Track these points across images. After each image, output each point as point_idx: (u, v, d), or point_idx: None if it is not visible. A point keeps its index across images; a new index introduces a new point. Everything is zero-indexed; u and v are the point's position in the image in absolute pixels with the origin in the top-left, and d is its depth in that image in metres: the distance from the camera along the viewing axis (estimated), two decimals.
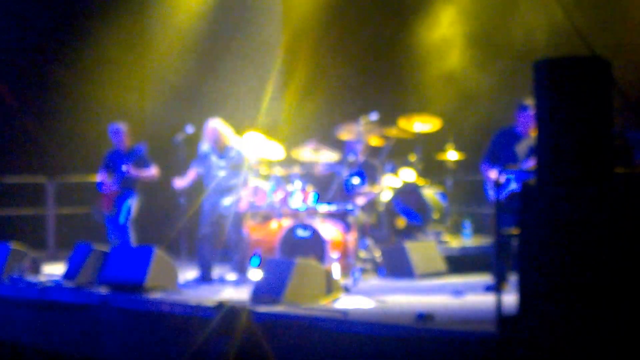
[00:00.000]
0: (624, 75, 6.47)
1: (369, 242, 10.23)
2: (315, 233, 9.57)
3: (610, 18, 10.41)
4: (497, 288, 6.35)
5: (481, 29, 11.57)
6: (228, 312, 6.88)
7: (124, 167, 10.26)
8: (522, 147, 8.58)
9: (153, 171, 10.36)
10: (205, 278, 9.59)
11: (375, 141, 11.19)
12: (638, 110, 7.98)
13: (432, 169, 11.63)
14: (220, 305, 7.29)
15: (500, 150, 8.65)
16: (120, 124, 10.59)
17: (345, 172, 10.32)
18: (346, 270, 9.51)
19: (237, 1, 13.61)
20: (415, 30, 11.87)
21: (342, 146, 10.80)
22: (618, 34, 10.23)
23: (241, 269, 9.68)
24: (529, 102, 8.38)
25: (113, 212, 10.41)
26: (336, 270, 9.19)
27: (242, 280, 9.56)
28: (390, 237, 10.67)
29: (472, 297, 8.25)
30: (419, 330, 6.53)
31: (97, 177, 10.60)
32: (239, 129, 10.57)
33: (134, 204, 10.39)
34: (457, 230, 11.37)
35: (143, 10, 13.65)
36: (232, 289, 9.03)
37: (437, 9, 11.99)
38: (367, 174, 10.43)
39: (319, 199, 10.08)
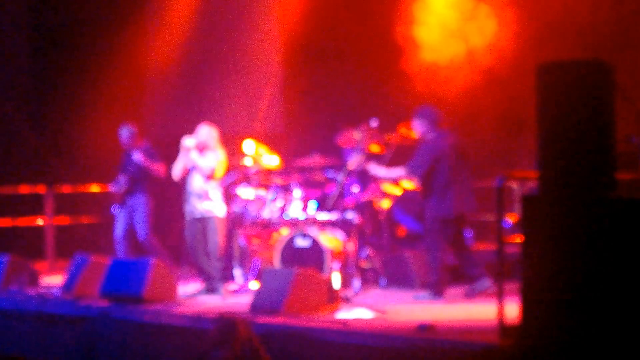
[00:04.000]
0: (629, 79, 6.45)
1: (369, 251, 10.17)
2: (314, 242, 9.52)
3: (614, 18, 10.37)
4: (499, 297, 6.31)
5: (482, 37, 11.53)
6: (227, 323, 6.82)
7: (135, 155, 10.20)
8: None
9: (160, 167, 10.28)
10: (206, 289, 9.49)
11: (375, 148, 11.14)
12: None
13: None
14: (219, 317, 7.23)
15: None
16: (130, 125, 10.54)
17: (344, 180, 10.27)
18: (346, 280, 9.46)
19: (235, 9, 13.60)
20: (417, 38, 11.82)
21: (341, 153, 10.75)
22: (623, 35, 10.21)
23: (225, 277, 9.58)
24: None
25: (122, 207, 10.35)
26: (336, 279, 9.16)
27: (242, 290, 9.52)
28: (391, 246, 10.60)
29: (474, 306, 8.22)
30: (420, 340, 6.51)
31: (115, 181, 10.56)
32: (238, 137, 10.54)
33: (148, 208, 10.30)
34: None
35: (139, 19, 13.63)
36: (232, 300, 8.99)
37: (439, 17, 11.93)
38: (365, 181, 10.40)
39: (319, 207, 10.04)
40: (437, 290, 8.77)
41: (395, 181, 10.07)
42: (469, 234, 11.12)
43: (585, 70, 5.92)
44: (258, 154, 10.43)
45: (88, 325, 8.42)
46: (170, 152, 10.31)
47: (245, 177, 10.43)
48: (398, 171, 9.18)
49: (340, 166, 10.55)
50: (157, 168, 10.29)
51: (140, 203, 10.28)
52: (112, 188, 10.49)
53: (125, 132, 10.53)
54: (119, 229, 10.46)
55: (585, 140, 5.77)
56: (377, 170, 9.42)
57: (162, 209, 11.07)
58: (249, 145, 10.44)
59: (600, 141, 5.81)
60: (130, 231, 10.44)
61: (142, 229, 10.27)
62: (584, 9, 10.09)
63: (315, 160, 10.45)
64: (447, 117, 10.58)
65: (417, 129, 9.20)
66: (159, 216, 10.96)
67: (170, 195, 10.88)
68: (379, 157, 11.10)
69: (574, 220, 5.69)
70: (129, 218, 10.40)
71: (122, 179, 10.42)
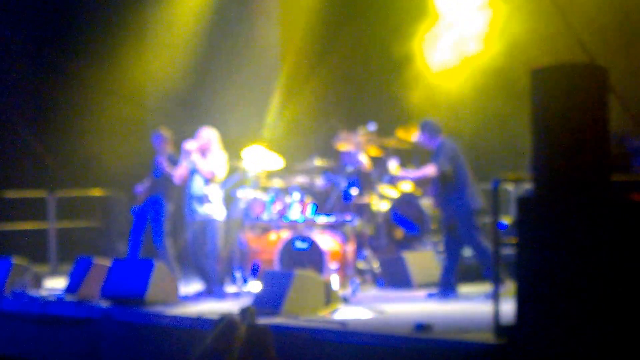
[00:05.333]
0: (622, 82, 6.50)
1: (368, 252, 10.26)
2: (313, 244, 9.60)
3: (610, 23, 10.43)
4: (495, 297, 6.38)
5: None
6: (228, 324, 6.90)
7: (160, 160, 10.23)
8: None
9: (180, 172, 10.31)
10: (207, 291, 9.57)
11: (373, 152, 11.23)
12: (636, 117, 8.01)
13: (429, 179, 11.62)
14: (220, 318, 7.31)
15: None
16: (162, 131, 10.58)
17: (343, 183, 10.35)
18: (345, 281, 9.54)
19: (238, 15, 13.66)
20: (415, 43, 11.90)
21: (340, 157, 10.82)
22: (618, 40, 10.26)
23: (222, 281, 9.63)
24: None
25: (142, 207, 10.40)
26: (335, 281, 9.22)
27: (241, 292, 9.61)
28: (389, 248, 10.68)
29: (470, 306, 8.30)
30: (417, 340, 6.57)
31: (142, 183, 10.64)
32: (239, 141, 10.60)
33: (165, 213, 10.35)
34: None
35: (142, 24, 13.68)
36: (232, 302, 9.06)
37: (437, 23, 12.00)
38: (363, 184, 10.49)
39: (318, 210, 10.11)
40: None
41: (423, 179, 10.06)
42: None
43: (579, 73, 5.97)
44: (259, 157, 10.48)
45: (91, 327, 8.49)
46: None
47: (246, 180, 10.49)
48: (428, 169, 9.21)
49: (339, 169, 10.64)
50: (176, 173, 10.31)
51: (159, 207, 10.33)
52: (136, 190, 10.54)
53: (155, 137, 10.57)
54: (136, 229, 10.50)
55: (579, 143, 5.81)
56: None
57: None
58: (251, 150, 10.48)
59: (594, 143, 5.84)
60: (146, 232, 10.49)
61: (157, 233, 10.31)
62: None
63: (314, 163, 10.55)
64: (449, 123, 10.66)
65: (421, 140, 9.41)
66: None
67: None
68: (377, 161, 11.20)
69: (568, 221, 5.72)
70: (147, 219, 10.45)
71: (147, 182, 10.49)
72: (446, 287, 9.03)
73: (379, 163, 11.11)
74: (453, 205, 9.09)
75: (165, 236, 10.22)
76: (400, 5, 11.97)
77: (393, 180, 11.23)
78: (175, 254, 10.27)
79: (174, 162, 10.29)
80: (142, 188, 10.45)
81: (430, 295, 9.09)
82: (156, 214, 10.28)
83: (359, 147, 10.52)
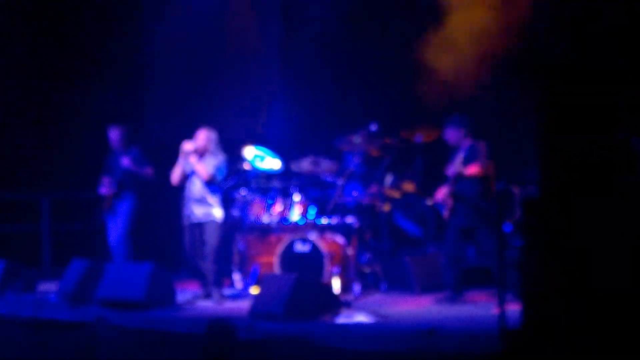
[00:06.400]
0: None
1: (370, 255, 10.16)
2: (314, 247, 9.52)
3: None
4: (500, 301, 6.29)
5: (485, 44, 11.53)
6: (226, 328, 6.81)
7: (124, 161, 10.14)
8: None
9: (149, 170, 10.21)
10: (204, 293, 9.47)
11: (375, 152, 11.13)
12: None
13: (433, 181, 11.55)
14: (219, 322, 7.24)
15: None
16: (118, 126, 10.48)
17: (344, 184, 10.26)
18: (346, 285, 9.45)
19: (237, 13, 13.62)
20: (418, 43, 11.85)
21: (341, 158, 10.75)
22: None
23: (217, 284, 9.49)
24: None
25: (113, 213, 10.28)
26: (336, 284, 9.17)
27: (241, 295, 9.51)
28: (391, 250, 10.61)
29: (475, 310, 8.26)
30: (421, 345, 6.51)
31: (100, 183, 10.47)
32: (238, 141, 10.53)
33: (134, 210, 10.24)
34: None
35: (140, 24, 13.64)
36: (230, 305, 8.98)
37: (439, 22, 11.96)
38: (367, 185, 10.41)
39: (318, 212, 10.03)
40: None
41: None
42: None
43: (582, 74, 5.96)
44: (260, 159, 10.42)
45: (86, 330, 8.40)
46: (170, 156, 10.29)
47: (245, 181, 10.42)
48: (474, 168, 8.88)
49: (340, 170, 10.56)
50: (145, 172, 10.23)
51: (128, 206, 10.23)
52: (101, 191, 10.41)
53: (114, 133, 10.48)
54: (113, 235, 10.39)
55: (585, 144, 5.78)
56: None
57: (154, 213, 11.05)
58: (251, 151, 10.42)
59: (600, 144, 5.82)
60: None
61: (120, 230, 10.20)
62: None
63: (315, 164, 10.46)
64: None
65: (455, 134, 9.14)
66: (153, 220, 10.97)
67: (161, 200, 10.85)
68: (378, 161, 11.12)
69: (574, 223, 5.68)
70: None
71: (107, 181, 10.34)
72: (454, 291, 8.91)
73: (379, 164, 11.03)
74: (486, 208, 8.81)
75: (129, 235, 10.11)
76: (409, 3, 11.90)
77: (395, 182, 11.14)
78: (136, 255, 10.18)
79: (137, 157, 10.18)
80: (105, 188, 10.33)
81: (439, 299, 8.97)
82: (125, 212, 10.17)
83: (360, 148, 10.43)
